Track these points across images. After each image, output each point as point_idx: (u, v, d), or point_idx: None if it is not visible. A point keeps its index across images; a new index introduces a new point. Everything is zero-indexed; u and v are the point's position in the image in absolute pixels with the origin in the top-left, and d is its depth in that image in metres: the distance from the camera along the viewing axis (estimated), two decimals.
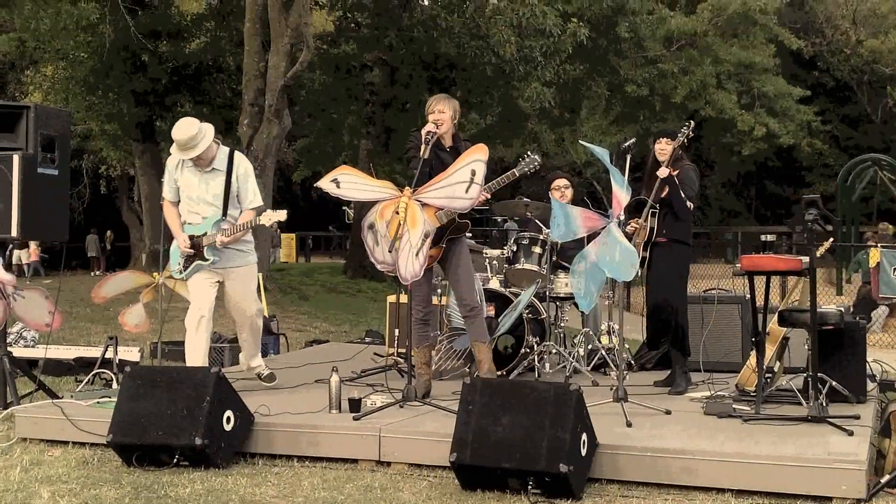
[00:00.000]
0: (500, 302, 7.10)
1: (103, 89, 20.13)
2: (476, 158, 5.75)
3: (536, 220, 7.57)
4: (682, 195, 6.46)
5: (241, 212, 6.41)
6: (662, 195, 6.47)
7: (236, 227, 6.33)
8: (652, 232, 6.53)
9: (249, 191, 6.43)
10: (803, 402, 5.68)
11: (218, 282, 6.45)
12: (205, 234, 6.32)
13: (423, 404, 5.74)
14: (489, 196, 6.08)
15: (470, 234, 6.51)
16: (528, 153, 6.36)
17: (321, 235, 40.15)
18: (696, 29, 27.18)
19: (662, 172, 6.43)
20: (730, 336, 7.48)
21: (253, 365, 6.77)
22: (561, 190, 7.72)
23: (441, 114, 6.13)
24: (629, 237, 6.28)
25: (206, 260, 6.34)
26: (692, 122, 6.76)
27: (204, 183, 6.33)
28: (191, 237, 6.34)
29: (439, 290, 7.46)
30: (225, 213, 6.34)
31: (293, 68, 15.52)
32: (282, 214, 6.38)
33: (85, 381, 6.80)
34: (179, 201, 6.44)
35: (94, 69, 19.45)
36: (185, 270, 6.39)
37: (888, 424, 5.33)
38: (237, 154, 6.45)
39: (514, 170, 6.30)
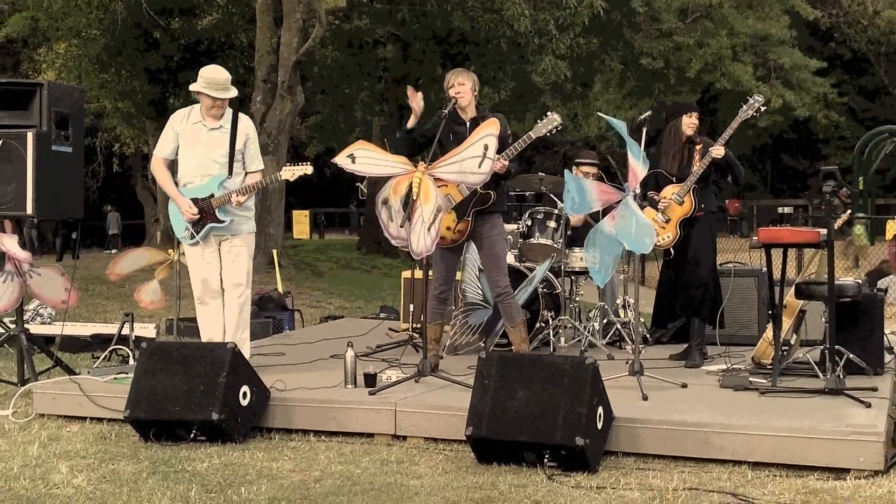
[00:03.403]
0: (516, 277, 7.08)
1: (116, 67, 20.12)
2: (488, 133, 5.72)
3: (551, 195, 7.54)
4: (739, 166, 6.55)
5: (244, 174, 6.27)
6: (699, 174, 6.38)
7: (247, 188, 6.17)
8: (694, 209, 6.42)
9: (255, 152, 6.33)
10: (820, 374, 5.67)
11: (217, 251, 6.26)
12: (210, 195, 6.14)
13: (438, 379, 5.75)
14: (507, 163, 5.99)
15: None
16: (548, 113, 6.21)
17: (335, 212, 40.13)
18: (711, 0, 26.94)
19: (719, 153, 6.35)
20: (746, 309, 7.44)
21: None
22: (586, 178, 7.65)
23: (461, 86, 6.07)
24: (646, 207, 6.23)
25: (222, 222, 6.15)
26: (762, 96, 6.67)
27: (211, 140, 6.17)
28: (194, 200, 6.15)
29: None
30: (230, 173, 6.19)
31: (305, 44, 15.47)
32: (307, 168, 6.22)
33: (102, 358, 6.85)
34: (170, 162, 6.28)
35: (106, 46, 19.43)
36: (197, 235, 6.18)
37: None
38: (241, 115, 6.32)
39: (531, 132, 6.13)
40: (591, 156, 8.01)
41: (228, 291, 6.29)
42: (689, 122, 6.55)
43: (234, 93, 6.21)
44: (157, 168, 6.33)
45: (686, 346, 6.76)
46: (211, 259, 6.26)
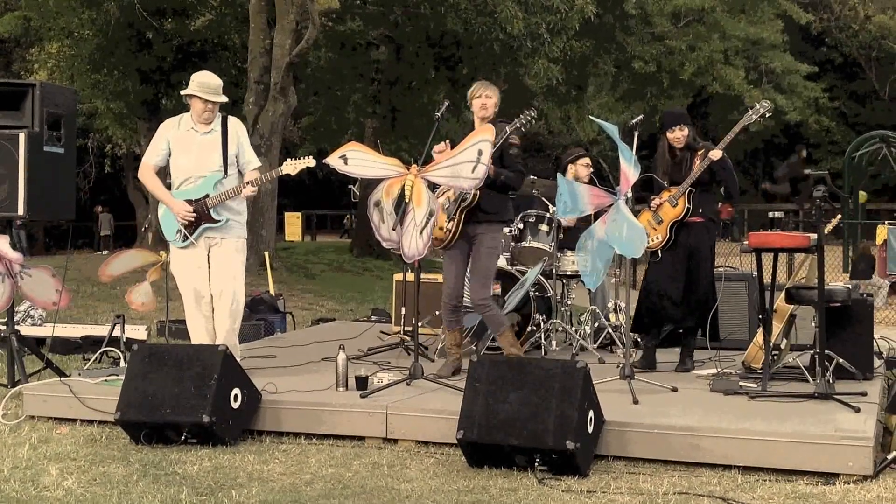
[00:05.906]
0: (507, 280, 7.09)
1: (108, 67, 20.06)
2: (483, 139, 5.73)
3: (543, 198, 7.56)
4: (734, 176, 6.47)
5: (238, 174, 6.27)
6: (696, 175, 6.35)
7: (253, 181, 6.14)
8: (687, 212, 6.39)
9: (249, 152, 6.33)
10: (810, 379, 5.69)
11: (206, 256, 6.22)
12: (205, 195, 6.14)
13: (429, 382, 5.75)
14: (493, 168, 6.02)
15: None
16: (526, 110, 6.22)
17: (326, 214, 40.04)
18: (704, 4, 26.99)
19: (716, 154, 6.30)
20: (737, 313, 7.47)
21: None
22: (587, 169, 7.70)
23: (488, 99, 6.11)
24: (635, 213, 6.23)
25: (217, 221, 6.14)
26: (768, 102, 6.59)
27: (203, 144, 6.18)
28: (188, 202, 6.14)
29: None
30: (225, 174, 6.19)
31: (298, 46, 15.45)
32: (309, 161, 6.15)
33: (92, 360, 6.82)
34: (159, 169, 6.28)
35: (99, 47, 19.37)
36: (191, 236, 6.15)
37: (895, 401, 5.33)
38: (230, 117, 6.34)
39: (506, 127, 6.13)
40: (583, 152, 8.05)
41: (220, 300, 6.23)
42: (673, 137, 6.52)
43: (224, 98, 6.23)
44: (146, 174, 6.35)
45: (662, 347, 6.78)
46: (201, 264, 6.24)
